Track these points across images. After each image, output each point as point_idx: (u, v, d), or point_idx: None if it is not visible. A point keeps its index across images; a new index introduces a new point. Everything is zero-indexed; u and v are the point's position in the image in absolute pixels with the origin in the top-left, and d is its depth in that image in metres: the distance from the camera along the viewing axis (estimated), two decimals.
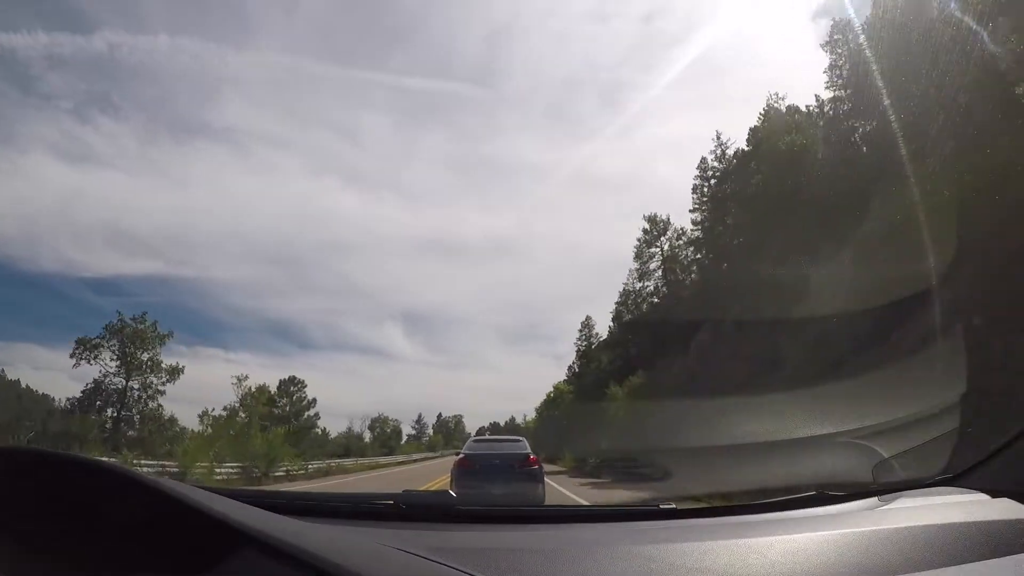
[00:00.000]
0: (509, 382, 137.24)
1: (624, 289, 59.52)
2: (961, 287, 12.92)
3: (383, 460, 60.79)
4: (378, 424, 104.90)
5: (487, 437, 17.80)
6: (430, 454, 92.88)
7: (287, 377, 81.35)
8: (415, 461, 67.62)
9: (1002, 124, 13.59)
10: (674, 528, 2.08)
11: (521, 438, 15.23)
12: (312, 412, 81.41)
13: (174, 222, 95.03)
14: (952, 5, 14.76)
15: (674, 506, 2.26)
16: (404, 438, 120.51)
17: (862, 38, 22.24)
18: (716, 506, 2.38)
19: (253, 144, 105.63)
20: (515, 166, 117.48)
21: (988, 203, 13.03)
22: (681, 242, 53.79)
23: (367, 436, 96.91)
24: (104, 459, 1.27)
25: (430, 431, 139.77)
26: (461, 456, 12.89)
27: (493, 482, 11.77)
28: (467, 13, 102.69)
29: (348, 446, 78.14)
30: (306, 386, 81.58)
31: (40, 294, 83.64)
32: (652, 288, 56.58)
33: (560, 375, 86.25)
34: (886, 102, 18.72)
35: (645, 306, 56.09)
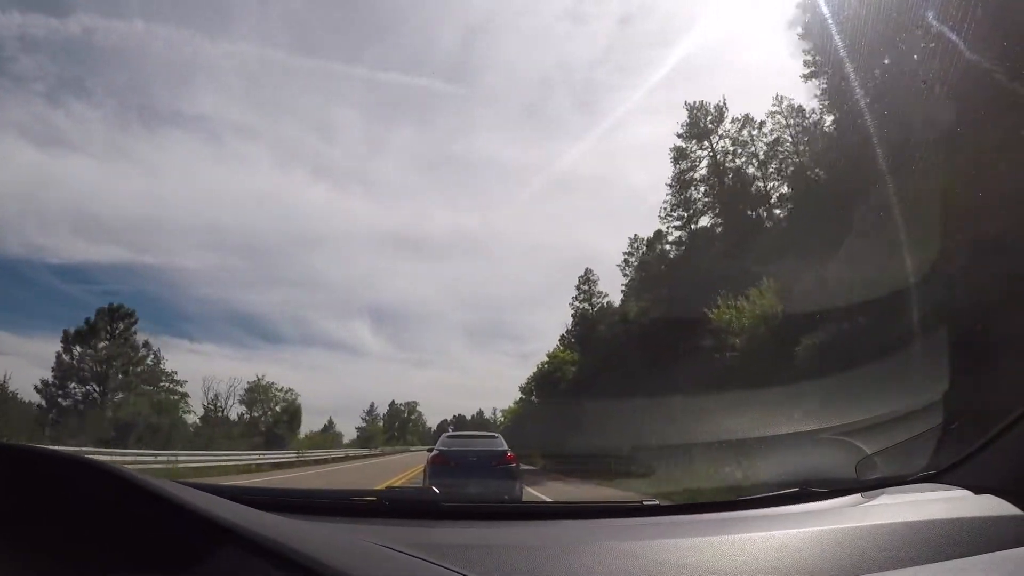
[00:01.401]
0: (474, 380, 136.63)
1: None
2: (944, 283, 13.03)
3: (221, 461, 28.47)
4: (257, 397, 62.16)
5: (462, 433, 18.07)
6: (363, 452, 64.49)
7: (107, 306, 54.13)
8: (312, 464, 37.96)
9: (988, 115, 13.69)
10: (657, 524, 2.08)
11: (497, 435, 15.25)
12: (147, 367, 53.67)
13: (142, 209, 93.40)
14: (929, 14, 14.80)
15: (657, 502, 2.26)
16: (351, 434, 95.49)
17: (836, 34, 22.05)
18: (700, 502, 2.39)
19: (224, 134, 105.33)
20: (487, 165, 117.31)
21: (972, 197, 13.13)
22: (745, 133, 39.65)
23: (237, 415, 59.85)
24: (84, 454, 1.25)
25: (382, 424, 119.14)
26: (435, 452, 12.75)
27: (470, 479, 11.69)
28: (443, 8, 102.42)
29: (128, 427, 40.40)
30: (135, 323, 54.68)
31: (4, 278, 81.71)
32: (705, 201, 41.87)
33: (536, 375, 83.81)
34: (865, 101, 18.78)
35: (701, 219, 41.94)
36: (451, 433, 16.96)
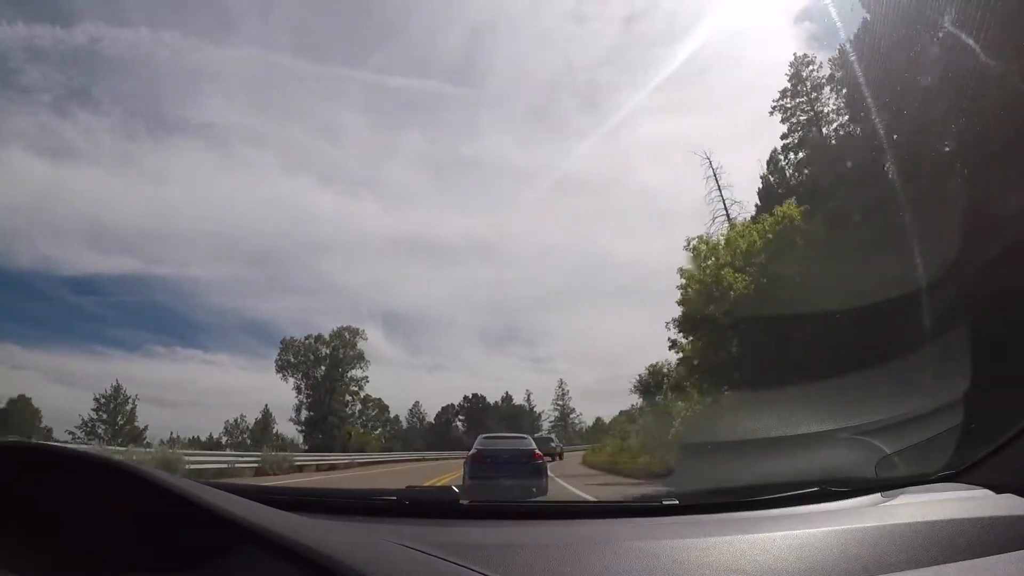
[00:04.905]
0: (488, 383, 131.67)
1: None
2: (966, 281, 12.90)
3: None
4: None
5: (496, 435, 20.00)
6: None
7: None
8: None
9: (1003, 117, 13.53)
10: (677, 524, 2.08)
11: (527, 436, 17.68)
12: None
13: (151, 219, 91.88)
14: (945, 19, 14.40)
15: (677, 502, 2.26)
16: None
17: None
18: (719, 502, 2.38)
19: (231, 141, 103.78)
20: (495, 167, 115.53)
21: (992, 195, 12.99)
22: None
23: None
24: (107, 454, 1.27)
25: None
26: (474, 451, 14.60)
27: (503, 474, 13.34)
28: (448, 10, 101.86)
29: None
30: None
31: (17, 292, 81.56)
32: None
33: (541, 380, 70.81)
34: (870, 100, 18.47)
35: None
36: (487, 435, 18.75)
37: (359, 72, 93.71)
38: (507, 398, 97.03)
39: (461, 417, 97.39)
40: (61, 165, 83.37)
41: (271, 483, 20.24)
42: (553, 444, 45.06)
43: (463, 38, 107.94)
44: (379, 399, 79.79)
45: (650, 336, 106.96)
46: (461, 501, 2.18)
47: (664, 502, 2.26)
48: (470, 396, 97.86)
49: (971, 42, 11.74)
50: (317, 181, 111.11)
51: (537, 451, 14.79)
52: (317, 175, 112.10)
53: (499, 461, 13.95)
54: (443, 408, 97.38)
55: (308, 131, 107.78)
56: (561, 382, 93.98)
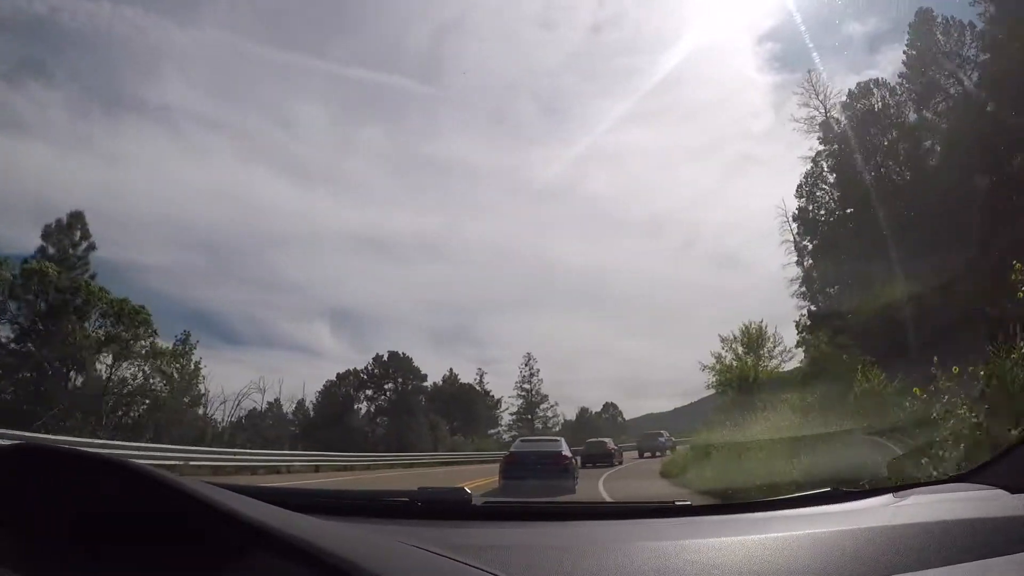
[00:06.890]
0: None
1: None
2: (980, 283, 12.83)
3: None
4: None
5: (531, 438, 22.38)
6: None
7: None
8: None
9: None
10: (690, 524, 2.08)
11: (559, 439, 19.21)
12: None
13: (100, 200, 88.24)
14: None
15: (690, 503, 2.26)
16: None
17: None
18: (731, 503, 2.38)
19: (187, 125, 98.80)
20: (453, 167, 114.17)
21: (1009, 204, 12.96)
22: None
23: None
24: (115, 454, 1.28)
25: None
26: (509, 453, 16.74)
27: (535, 474, 14.79)
28: (415, 6, 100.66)
29: None
30: None
31: None
32: None
33: (490, 380, 67.44)
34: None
35: None
36: (523, 438, 21.09)
37: (322, 62, 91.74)
38: (451, 377, 73.48)
39: (369, 391, 66.94)
40: (11, 137, 79.73)
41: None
42: (662, 439, 39.48)
43: (429, 34, 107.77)
44: (141, 306, 38.09)
45: (602, 342, 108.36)
46: (473, 502, 2.19)
47: (676, 503, 2.27)
48: (384, 356, 67.40)
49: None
50: (273, 171, 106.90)
51: (565, 453, 16.21)
52: (273, 165, 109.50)
53: (530, 462, 15.53)
54: (338, 376, 65.04)
55: (267, 120, 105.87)
56: (528, 357, 78.24)
